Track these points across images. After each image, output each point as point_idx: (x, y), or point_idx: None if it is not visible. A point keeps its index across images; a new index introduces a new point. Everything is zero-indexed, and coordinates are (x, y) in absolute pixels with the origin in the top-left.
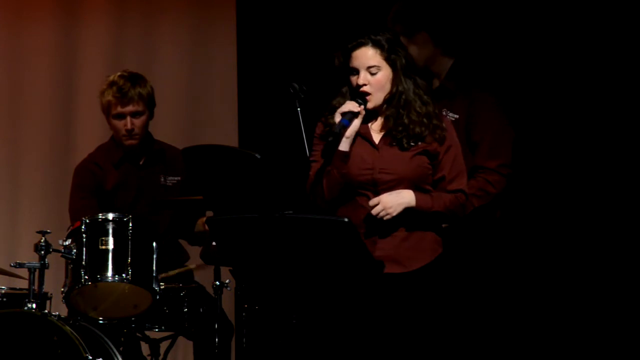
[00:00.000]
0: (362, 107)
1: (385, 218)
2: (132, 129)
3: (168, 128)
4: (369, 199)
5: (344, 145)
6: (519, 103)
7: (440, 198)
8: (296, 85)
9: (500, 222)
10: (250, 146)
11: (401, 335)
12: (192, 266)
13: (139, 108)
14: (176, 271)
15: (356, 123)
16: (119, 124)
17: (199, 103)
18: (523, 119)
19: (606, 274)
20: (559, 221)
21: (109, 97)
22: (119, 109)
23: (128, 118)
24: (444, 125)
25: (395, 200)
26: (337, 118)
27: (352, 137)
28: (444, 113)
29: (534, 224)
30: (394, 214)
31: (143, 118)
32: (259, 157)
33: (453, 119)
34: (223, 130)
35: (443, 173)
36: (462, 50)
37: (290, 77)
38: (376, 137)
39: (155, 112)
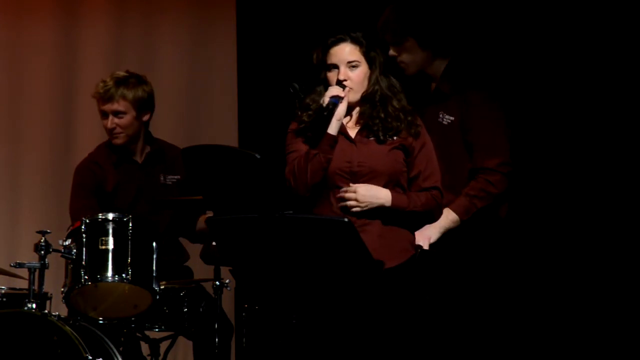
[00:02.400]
0: (346, 90)
1: (352, 209)
2: (114, 128)
3: (168, 128)
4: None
5: (333, 129)
6: (517, 100)
7: (417, 198)
8: (296, 85)
9: (503, 221)
10: (250, 146)
11: (373, 333)
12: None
13: (120, 108)
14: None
15: (343, 106)
16: (103, 121)
17: (199, 103)
18: (521, 116)
19: (609, 275)
20: (561, 219)
21: (94, 93)
22: (101, 107)
23: (110, 117)
24: (418, 122)
25: (370, 197)
26: (326, 101)
27: (341, 121)
28: (440, 116)
29: (537, 222)
30: (364, 208)
31: (127, 118)
32: (259, 157)
33: (449, 122)
34: (223, 130)
35: (419, 169)
36: (455, 51)
37: (290, 77)
38: (352, 132)
39: (154, 113)
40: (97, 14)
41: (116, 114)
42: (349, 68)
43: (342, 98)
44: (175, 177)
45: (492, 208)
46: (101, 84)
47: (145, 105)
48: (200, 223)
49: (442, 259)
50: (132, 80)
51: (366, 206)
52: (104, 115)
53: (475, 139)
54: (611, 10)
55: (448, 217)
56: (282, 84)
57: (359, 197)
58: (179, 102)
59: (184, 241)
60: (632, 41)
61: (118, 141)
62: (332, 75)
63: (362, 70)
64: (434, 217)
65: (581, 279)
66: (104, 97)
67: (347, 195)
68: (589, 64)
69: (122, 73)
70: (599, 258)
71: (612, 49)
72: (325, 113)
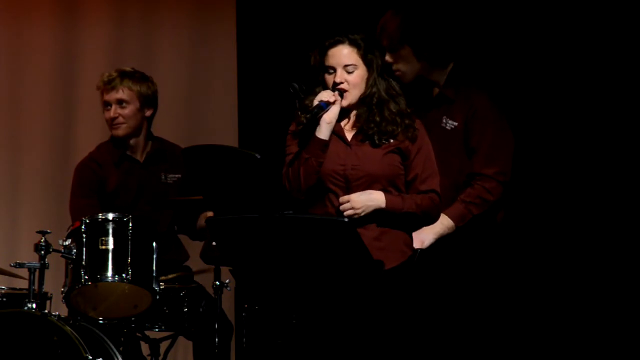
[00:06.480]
0: (338, 94)
1: (352, 217)
2: (116, 117)
3: (168, 128)
4: (339, 196)
5: (324, 133)
6: (520, 107)
7: (411, 199)
8: (296, 85)
9: (500, 226)
10: (250, 146)
11: (372, 334)
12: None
13: (124, 97)
14: (175, 275)
15: (334, 110)
16: (105, 113)
17: (199, 103)
18: (524, 122)
19: (605, 279)
20: (556, 224)
21: (99, 83)
22: (105, 97)
23: (113, 106)
24: (415, 125)
25: (365, 201)
26: (314, 104)
27: (332, 125)
28: (443, 120)
29: (533, 227)
30: (362, 214)
31: (130, 108)
32: (259, 157)
33: (452, 127)
34: (223, 130)
35: (416, 172)
36: (459, 57)
37: (290, 77)
38: (348, 135)
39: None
40: (97, 14)
41: (120, 102)
42: (346, 71)
43: (331, 103)
44: (176, 175)
45: (488, 213)
46: (106, 74)
47: (149, 100)
48: (201, 220)
49: (440, 263)
50: (138, 75)
51: (363, 211)
52: (107, 105)
53: (477, 144)
54: (610, 14)
55: (443, 222)
56: (282, 84)
57: (354, 204)
58: (179, 102)
59: (184, 240)
60: (631, 50)
61: (119, 132)
62: (329, 78)
63: (360, 73)
64: (432, 218)
65: (577, 283)
66: (107, 87)
67: (343, 206)
68: (585, 72)
69: (128, 68)
70: (595, 262)
71: (609, 52)
72: (307, 115)
